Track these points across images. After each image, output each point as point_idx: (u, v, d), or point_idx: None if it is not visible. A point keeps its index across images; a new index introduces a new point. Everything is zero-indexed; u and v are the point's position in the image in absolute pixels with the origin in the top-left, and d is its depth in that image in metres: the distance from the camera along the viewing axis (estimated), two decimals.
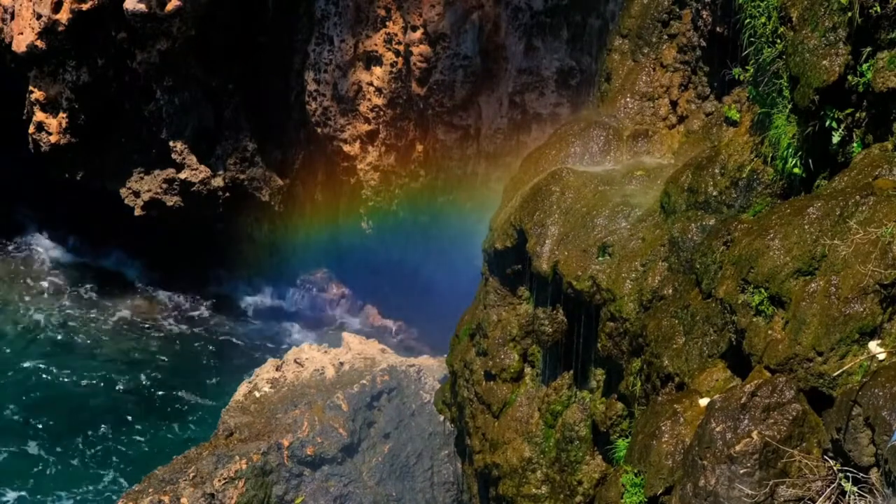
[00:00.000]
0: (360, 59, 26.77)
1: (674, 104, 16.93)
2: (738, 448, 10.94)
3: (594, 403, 15.92)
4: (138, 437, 25.85)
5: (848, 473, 10.30)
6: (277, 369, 21.61)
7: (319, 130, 27.93)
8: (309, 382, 21.16)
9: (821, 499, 10.44)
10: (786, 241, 11.95)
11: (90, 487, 24.50)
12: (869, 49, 12.33)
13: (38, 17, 26.78)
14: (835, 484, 10.44)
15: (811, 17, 12.81)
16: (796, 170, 13.29)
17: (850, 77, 12.48)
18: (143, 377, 27.82)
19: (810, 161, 13.16)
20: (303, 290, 31.10)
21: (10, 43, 27.49)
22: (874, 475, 10.13)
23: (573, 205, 16.15)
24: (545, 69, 25.11)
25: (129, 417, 26.46)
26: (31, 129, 28.26)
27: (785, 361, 11.39)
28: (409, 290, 28.07)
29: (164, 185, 28.82)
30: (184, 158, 28.34)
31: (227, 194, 28.87)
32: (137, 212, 29.07)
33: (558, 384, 16.85)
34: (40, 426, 26.01)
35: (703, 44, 16.48)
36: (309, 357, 21.78)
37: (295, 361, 21.76)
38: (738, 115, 15.19)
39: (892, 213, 11.24)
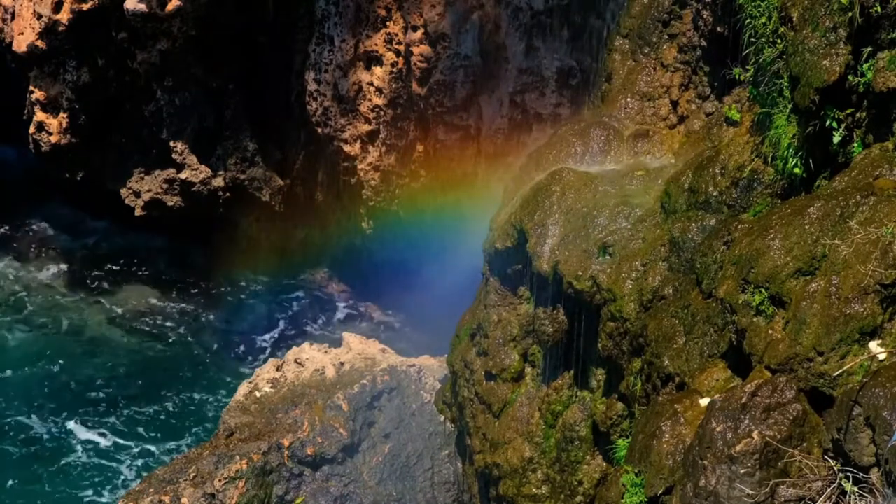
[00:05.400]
0: (360, 60, 26.77)
1: (674, 104, 16.94)
2: (738, 448, 10.95)
3: (595, 403, 15.93)
4: (137, 436, 25.85)
5: (848, 473, 10.31)
6: (278, 369, 21.61)
7: (320, 130, 27.93)
8: (309, 382, 21.15)
9: (821, 499, 10.44)
10: (786, 241, 11.96)
11: (87, 486, 24.53)
12: (869, 49, 12.34)
13: (39, 17, 26.79)
14: (835, 484, 10.45)
15: (812, 17, 12.81)
16: (797, 170, 13.30)
17: (850, 77, 12.49)
18: (141, 376, 27.82)
19: (811, 161, 13.17)
20: (303, 290, 31.12)
21: (11, 43, 27.51)
22: (874, 475, 10.13)
23: (574, 205, 16.16)
24: (546, 69, 25.10)
25: (127, 416, 26.46)
26: (32, 128, 28.27)
27: (785, 361, 11.40)
28: (409, 290, 28.05)
29: (165, 186, 28.85)
30: (184, 158, 28.36)
31: (228, 194, 28.89)
32: (138, 212, 29.10)
33: (559, 384, 16.86)
34: (36, 421, 26.01)
35: (704, 44, 16.49)
36: (309, 357, 21.78)
37: (295, 361, 21.76)
38: (738, 115, 15.20)
39: (893, 213, 11.25)
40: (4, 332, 28.79)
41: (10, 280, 30.56)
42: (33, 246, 31.80)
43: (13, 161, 32.59)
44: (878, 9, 12.15)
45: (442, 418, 20.18)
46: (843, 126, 12.65)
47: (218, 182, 28.63)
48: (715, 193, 14.51)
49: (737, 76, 15.12)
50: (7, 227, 32.08)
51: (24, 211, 32.48)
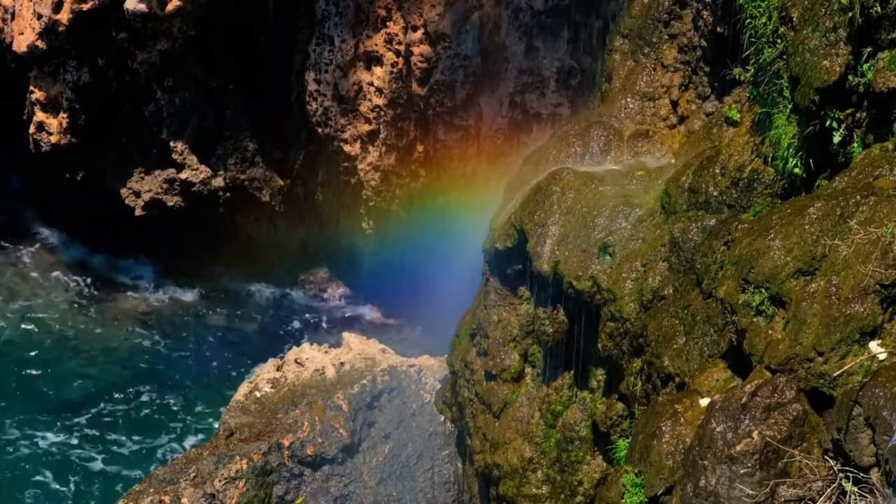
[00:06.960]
0: (360, 60, 26.77)
1: (674, 104, 16.93)
2: (738, 448, 10.95)
3: (595, 403, 15.93)
4: (137, 436, 25.85)
5: (848, 473, 10.31)
6: (278, 369, 21.61)
7: (320, 130, 27.93)
8: (309, 382, 21.15)
9: (821, 499, 10.44)
10: (786, 241, 11.96)
11: (87, 484, 24.53)
12: (869, 49, 12.34)
13: (39, 17, 26.79)
14: (835, 484, 10.45)
15: (812, 17, 12.82)
16: (797, 170, 13.30)
17: (850, 77, 12.50)
18: (142, 376, 27.82)
19: (811, 161, 13.18)
20: (303, 290, 31.12)
21: (11, 43, 27.51)
22: (875, 475, 10.13)
23: (574, 205, 16.16)
24: (546, 69, 25.10)
25: (128, 416, 26.46)
26: (32, 129, 28.27)
27: (785, 361, 11.40)
28: (409, 290, 28.05)
29: (165, 186, 28.84)
30: (184, 159, 28.36)
31: (228, 194, 28.89)
32: (138, 212, 29.09)
33: (559, 384, 16.86)
34: (37, 419, 26.00)
35: (704, 44, 16.49)
36: (309, 357, 21.78)
37: (295, 361, 21.76)
38: (738, 116, 15.20)
39: (893, 213, 11.25)
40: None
41: (6, 284, 30.57)
42: (28, 251, 31.81)
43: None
44: (878, 9, 12.15)
45: (442, 418, 20.17)
46: (843, 126, 12.66)
47: (218, 182, 28.63)
48: (715, 193, 14.51)
49: (737, 76, 15.12)
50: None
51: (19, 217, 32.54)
